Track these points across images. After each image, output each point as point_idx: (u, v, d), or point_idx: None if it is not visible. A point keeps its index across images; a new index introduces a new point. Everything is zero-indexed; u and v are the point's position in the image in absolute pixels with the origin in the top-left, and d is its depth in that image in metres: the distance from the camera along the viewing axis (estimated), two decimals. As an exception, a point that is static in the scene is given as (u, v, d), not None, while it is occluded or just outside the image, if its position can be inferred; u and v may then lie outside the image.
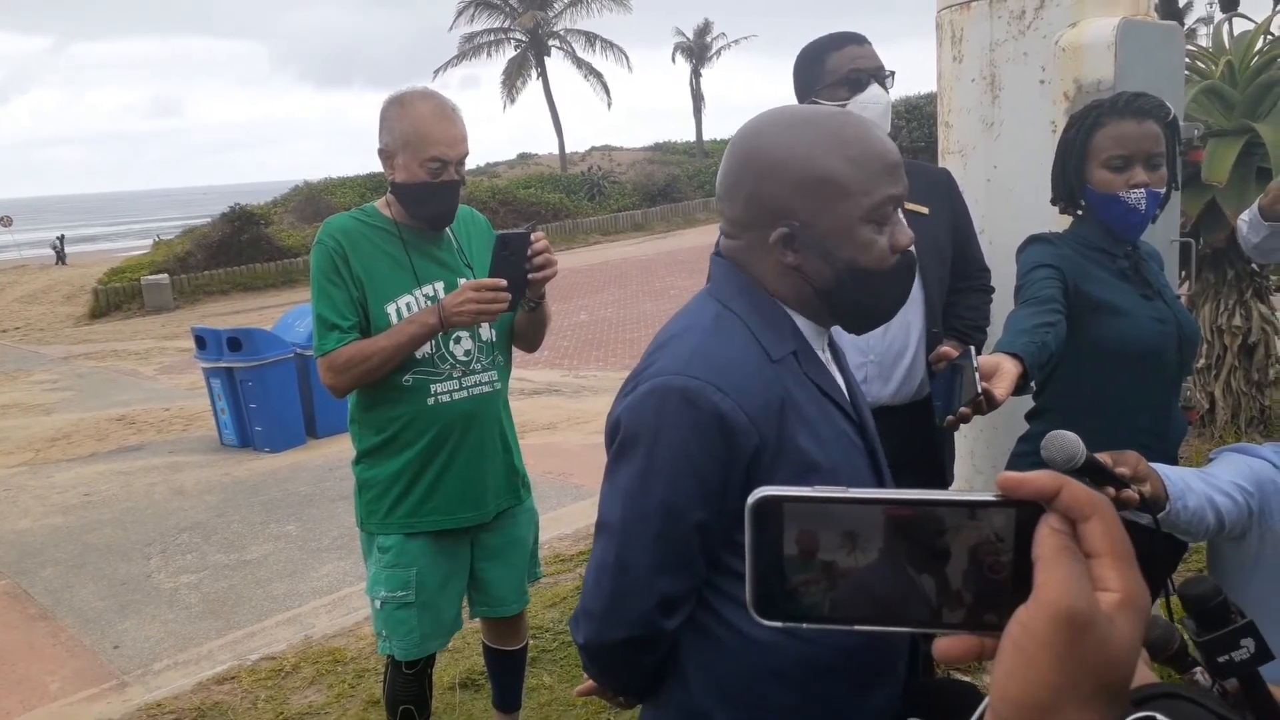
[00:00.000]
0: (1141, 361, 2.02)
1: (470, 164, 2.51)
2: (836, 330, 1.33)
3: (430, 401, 2.35)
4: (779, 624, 0.52)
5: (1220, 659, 1.09)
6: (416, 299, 2.34)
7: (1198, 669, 1.17)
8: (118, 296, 18.72)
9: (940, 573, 0.50)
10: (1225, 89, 4.72)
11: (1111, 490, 1.38)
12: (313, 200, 24.62)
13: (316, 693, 3.55)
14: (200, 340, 7.59)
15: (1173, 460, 2.07)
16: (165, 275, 19.00)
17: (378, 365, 2.26)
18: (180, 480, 6.81)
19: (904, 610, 0.50)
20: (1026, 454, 2.13)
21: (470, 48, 34.86)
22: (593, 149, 36.85)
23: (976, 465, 3.12)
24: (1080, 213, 2.11)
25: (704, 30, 39.20)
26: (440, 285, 2.38)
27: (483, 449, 2.44)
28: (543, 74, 34.68)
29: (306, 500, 6.11)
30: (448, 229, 2.43)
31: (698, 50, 39.23)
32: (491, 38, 34.86)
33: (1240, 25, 5.11)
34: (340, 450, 6.85)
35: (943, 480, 2.56)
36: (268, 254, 20.48)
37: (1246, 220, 2.62)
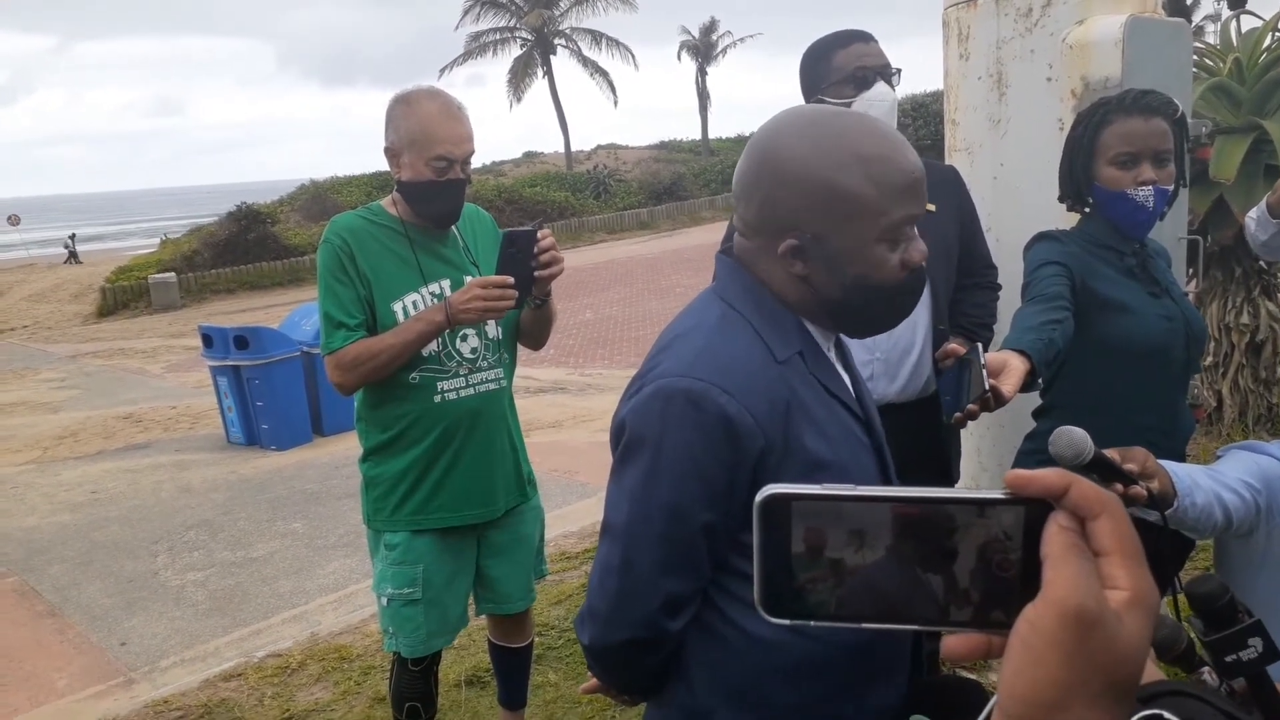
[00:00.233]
0: (1149, 359, 2.02)
1: (476, 162, 2.52)
2: None
3: (437, 399, 2.36)
4: (787, 621, 0.52)
5: (1228, 658, 1.08)
6: (423, 297, 2.34)
7: (1205, 669, 1.17)
8: (125, 295, 18.77)
9: (948, 570, 0.50)
10: (1233, 86, 4.70)
11: (1119, 487, 1.38)
12: (319, 199, 24.66)
13: (323, 690, 3.56)
14: (207, 338, 7.61)
15: (1180, 458, 2.06)
16: (172, 274, 19.05)
17: (385, 363, 2.27)
18: (187, 478, 6.83)
19: (911, 608, 0.50)
20: (1033, 451, 2.12)
21: (476, 46, 34.88)
22: (598, 147, 36.86)
23: (983, 463, 3.12)
24: (1088, 210, 2.11)
25: (710, 29, 39.17)
26: (446, 283, 2.38)
27: (490, 446, 2.44)
28: (548, 73, 34.69)
29: (313, 498, 6.13)
30: (454, 227, 2.43)
31: (703, 49, 39.21)
32: (497, 36, 34.89)
33: (1248, 22, 5.09)
34: (347, 448, 6.86)
35: (949, 478, 2.56)
36: (274, 253, 20.52)
37: (1254, 217, 2.62)
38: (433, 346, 2.33)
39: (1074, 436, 1.32)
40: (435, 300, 2.34)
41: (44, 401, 10.44)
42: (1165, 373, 2.05)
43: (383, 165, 2.38)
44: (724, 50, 39.63)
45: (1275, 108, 4.56)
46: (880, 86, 2.26)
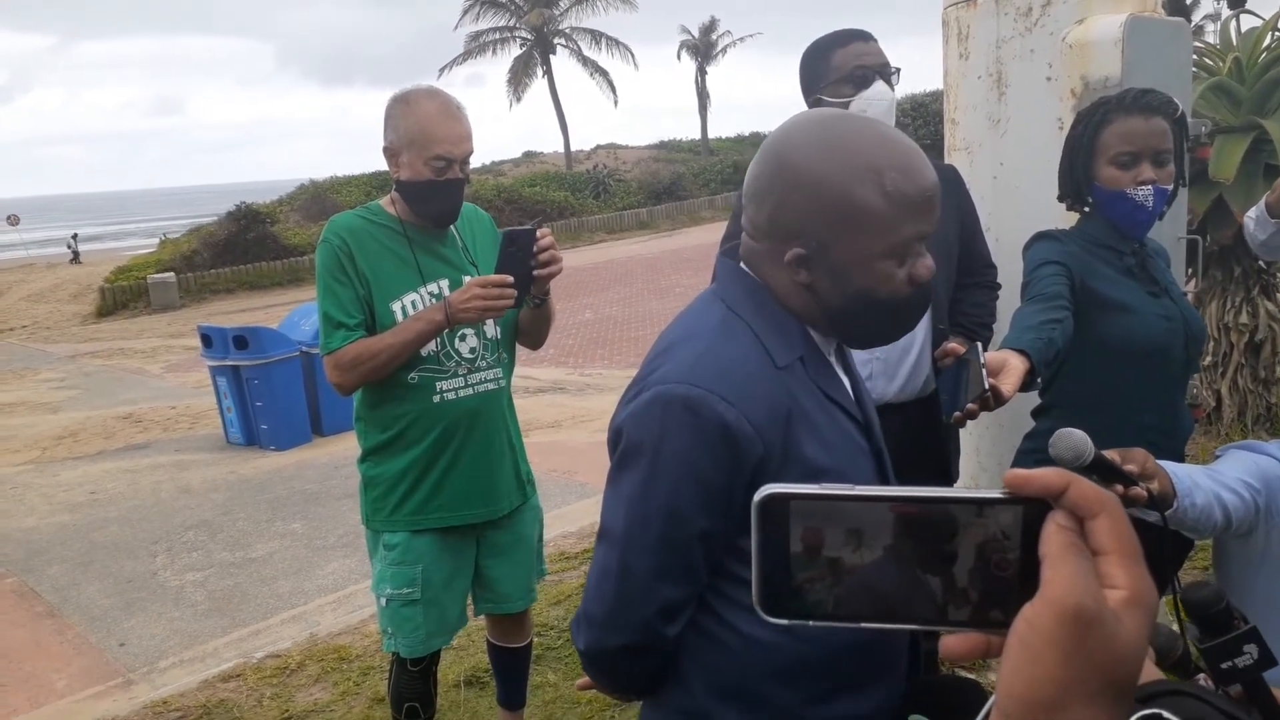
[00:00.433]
0: (1148, 359, 2.02)
1: (476, 162, 2.51)
2: None
3: (436, 399, 2.35)
4: (785, 621, 0.52)
5: (1223, 665, 1.08)
6: (422, 297, 2.34)
7: (1201, 675, 1.17)
8: (124, 295, 18.76)
9: (946, 570, 0.50)
10: (1233, 85, 4.71)
11: (1120, 488, 1.38)
12: (318, 199, 24.65)
13: (322, 690, 3.56)
14: (206, 338, 7.60)
15: (1179, 457, 2.06)
16: (172, 274, 19.05)
17: (384, 362, 2.26)
18: (186, 478, 6.83)
19: (910, 608, 0.50)
20: (1032, 451, 2.12)
21: (475, 46, 34.86)
22: (598, 147, 36.84)
23: (982, 462, 3.12)
24: (1087, 210, 2.11)
25: (709, 28, 39.16)
26: (445, 283, 2.38)
27: (489, 446, 2.44)
28: (548, 72, 34.67)
29: (312, 498, 6.13)
30: (452, 227, 2.43)
31: (703, 48, 39.20)
32: (497, 36, 34.86)
33: (1248, 21, 5.09)
34: (346, 448, 6.86)
35: (949, 477, 2.56)
36: (274, 252, 20.52)
37: (1253, 217, 2.62)
38: (431, 346, 2.33)
39: (1074, 438, 1.32)
40: (434, 300, 2.34)
41: (43, 402, 10.43)
42: (1164, 372, 2.05)
43: (382, 165, 2.37)
44: (724, 50, 39.62)
45: (1275, 107, 4.56)
46: (878, 86, 2.26)
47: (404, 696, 2.51)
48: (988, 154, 2.96)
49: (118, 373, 12.07)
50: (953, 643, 0.50)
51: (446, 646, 2.63)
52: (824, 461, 1.18)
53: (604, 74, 36.04)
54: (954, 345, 2.13)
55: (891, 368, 2.36)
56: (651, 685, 1.29)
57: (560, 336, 11.53)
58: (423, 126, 2.27)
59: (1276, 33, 4.82)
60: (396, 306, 2.31)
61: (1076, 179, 2.06)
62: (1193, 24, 6.26)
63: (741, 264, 1.27)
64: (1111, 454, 1.39)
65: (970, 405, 1.63)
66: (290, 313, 8.47)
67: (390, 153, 2.33)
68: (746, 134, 39.86)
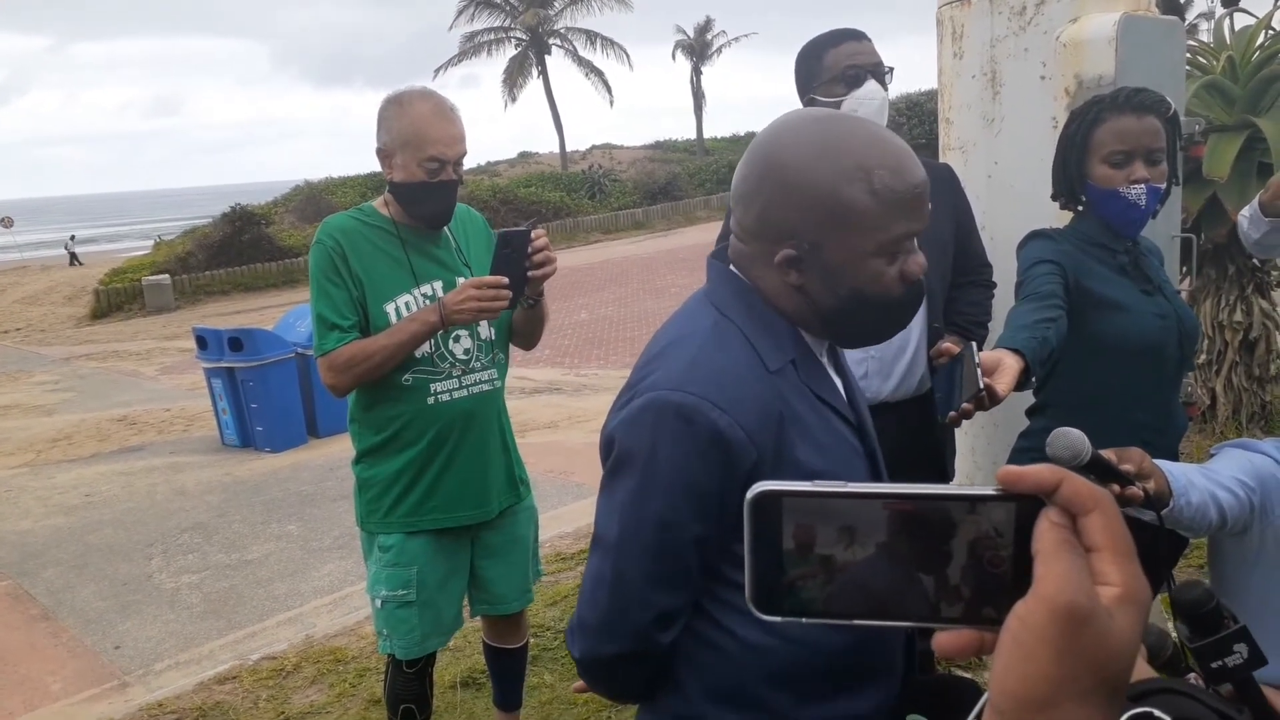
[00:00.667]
0: (1142, 357, 2.02)
1: (471, 163, 2.51)
2: None
3: (430, 401, 2.35)
4: (778, 618, 0.52)
5: (1214, 665, 1.09)
6: (415, 298, 2.34)
7: (1191, 675, 1.17)
8: (119, 297, 18.73)
9: (939, 567, 0.49)
10: (1226, 84, 4.71)
11: (1116, 487, 1.38)
12: (314, 200, 24.63)
13: (318, 692, 3.55)
14: (201, 340, 7.59)
15: (1173, 455, 2.06)
16: (166, 275, 19.02)
17: (379, 364, 2.26)
18: (181, 480, 6.81)
19: (903, 605, 0.50)
20: (1027, 449, 2.13)
21: (471, 47, 34.84)
22: (593, 147, 36.85)
23: (977, 461, 3.12)
24: (1081, 208, 2.11)
25: (705, 28, 39.19)
26: (439, 284, 2.37)
27: (484, 447, 2.44)
28: (543, 73, 34.67)
29: (308, 500, 6.12)
30: (446, 228, 2.43)
31: (698, 48, 39.22)
32: (492, 36, 34.85)
33: (1241, 20, 5.10)
34: (342, 450, 6.84)
35: (944, 476, 2.56)
36: (269, 254, 20.50)
37: (1247, 216, 2.62)
38: (425, 348, 2.32)
39: (1071, 438, 1.32)
40: (427, 301, 2.34)
41: (38, 404, 10.41)
42: (1158, 370, 2.06)
43: (378, 166, 2.37)
44: (719, 50, 39.67)
45: (1269, 106, 4.57)
46: (870, 85, 2.27)
47: (400, 698, 2.51)
48: (982, 153, 2.96)
49: (112, 375, 12.04)
50: (946, 640, 0.50)
51: (442, 648, 2.63)
52: (817, 465, 1.18)
53: (599, 74, 36.06)
54: (948, 344, 2.13)
55: (887, 367, 2.37)
56: (648, 690, 1.28)
57: (556, 337, 11.54)
58: (416, 128, 2.26)
59: (1270, 31, 4.83)
60: (390, 308, 2.31)
61: (1070, 177, 2.07)
62: (1186, 23, 6.27)
63: (731, 266, 1.26)
64: (1108, 453, 1.40)
65: (965, 404, 1.63)
66: (285, 314, 8.45)
67: (384, 154, 2.33)
68: (742, 134, 39.88)
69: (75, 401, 10.37)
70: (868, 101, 2.25)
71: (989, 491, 0.49)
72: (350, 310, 2.28)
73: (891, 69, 2.32)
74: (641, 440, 1.16)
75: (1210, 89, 4.70)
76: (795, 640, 1.19)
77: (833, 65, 2.29)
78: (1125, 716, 0.87)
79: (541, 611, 3.89)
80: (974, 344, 1.78)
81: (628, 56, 36.25)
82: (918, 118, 22.56)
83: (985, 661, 0.50)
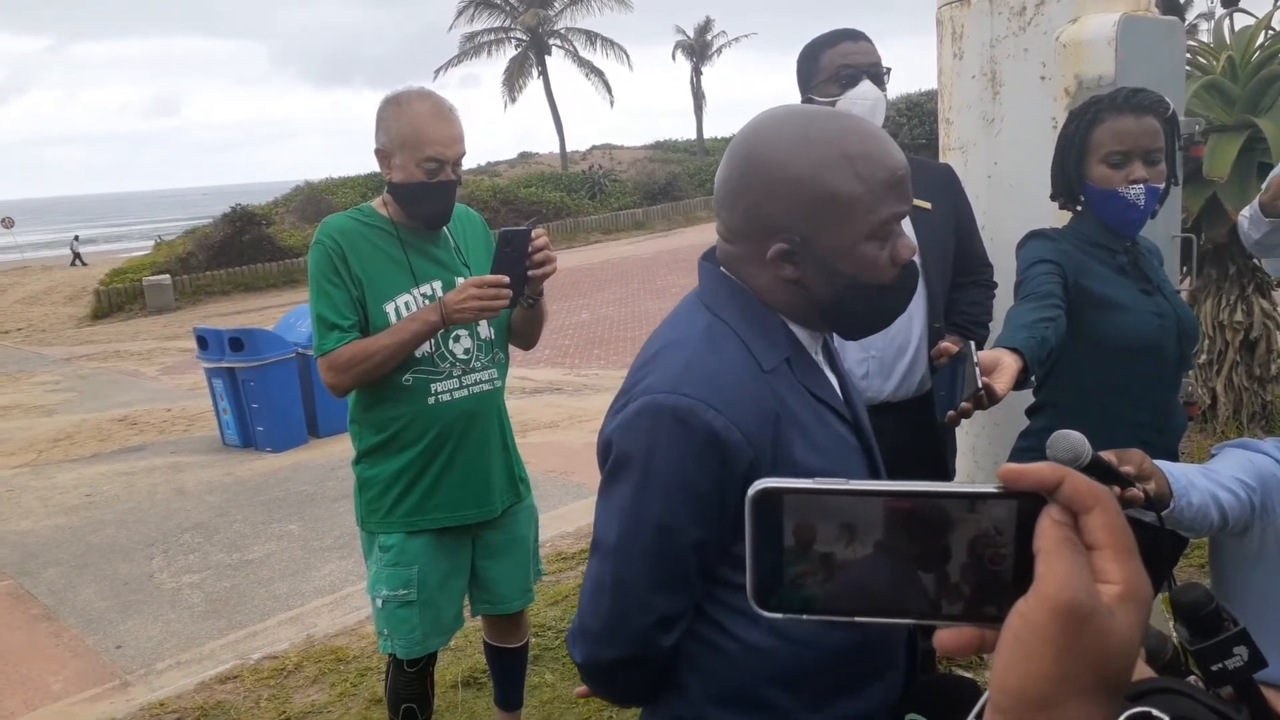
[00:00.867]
0: (1141, 356, 2.02)
1: (471, 163, 2.52)
2: None
3: (431, 401, 2.35)
4: (779, 615, 0.52)
5: (1214, 667, 1.09)
6: (414, 298, 2.34)
7: (1191, 677, 1.17)
8: (120, 297, 18.74)
9: (940, 565, 0.50)
10: (1226, 84, 4.71)
11: (1117, 489, 1.38)
12: (314, 200, 24.63)
13: (319, 692, 3.55)
14: (202, 340, 7.59)
15: (1173, 455, 2.07)
16: (167, 276, 19.03)
17: (379, 364, 2.26)
18: (182, 480, 6.82)
19: (903, 602, 0.50)
20: (1028, 449, 2.13)
21: (471, 47, 34.85)
22: (593, 148, 36.85)
23: (978, 461, 3.12)
24: (1080, 208, 2.11)
25: (705, 28, 39.20)
26: (438, 284, 2.37)
27: (485, 446, 2.44)
28: (543, 73, 34.67)
29: (309, 499, 6.12)
30: (445, 228, 2.43)
31: (698, 48, 39.24)
32: (492, 37, 34.87)
33: (1241, 20, 5.10)
34: (342, 450, 6.85)
35: (945, 476, 2.56)
36: (269, 254, 20.51)
37: (1247, 216, 2.62)
38: (426, 348, 2.33)
39: (1071, 439, 1.32)
40: (427, 301, 2.34)
41: (39, 404, 10.41)
42: (1158, 370, 2.06)
43: (378, 166, 2.38)
44: (719, 50, 39.69)
45: (1269, 106, 4.57)
46: (864, 85, 2.27)
47: (401, 698, 2.51)
48: (982, 153, 2.96)
49: (113, 375, 12.05)
50: (946, 637, 0.50)
51: (443, 647, 2.63)
52: (814, 463, 1.18)
53: (599, 75, 36.07)
54: (948, 344, 2.13)
55: (887, 367, 2.37)
56: (650, 693, 1.28)
57: (557, 337, 11.54)
58: (415, 128, 2.27)
59: (1270, 31, 4.83)
60: (389, 308, 2.31)
61: (1068, 178, 2.07)
62: (1186, 23, 6.27)
63: (721, 268, 1.26)
64: (1108, 455, 1.40)
65: (964, 404, 1.63)
66: (286, 314, 8.46)
67: (382, 155, 2.33)
68: (742, 134, 39.80)
69: (76, 401, 10.37)
70: (860, 102, 2.26)
71: (990, 489, 0.49)
72: (350, 310, 2.29)
73: (890, 69, 2.33)
74: (638, 444, 1.16)
75: (1210, 89, 4.70)
76: (798, 641, 1.19)
77: (828, 65, 2.30)
78: (1124, 716, 0.87)
79: (542, 611, 3.89)
80: (972, 344, 1.79)
81: (628, 57, 36.27)
82: (918, 118, 22.54)
83: (986, 661, 0.50)
